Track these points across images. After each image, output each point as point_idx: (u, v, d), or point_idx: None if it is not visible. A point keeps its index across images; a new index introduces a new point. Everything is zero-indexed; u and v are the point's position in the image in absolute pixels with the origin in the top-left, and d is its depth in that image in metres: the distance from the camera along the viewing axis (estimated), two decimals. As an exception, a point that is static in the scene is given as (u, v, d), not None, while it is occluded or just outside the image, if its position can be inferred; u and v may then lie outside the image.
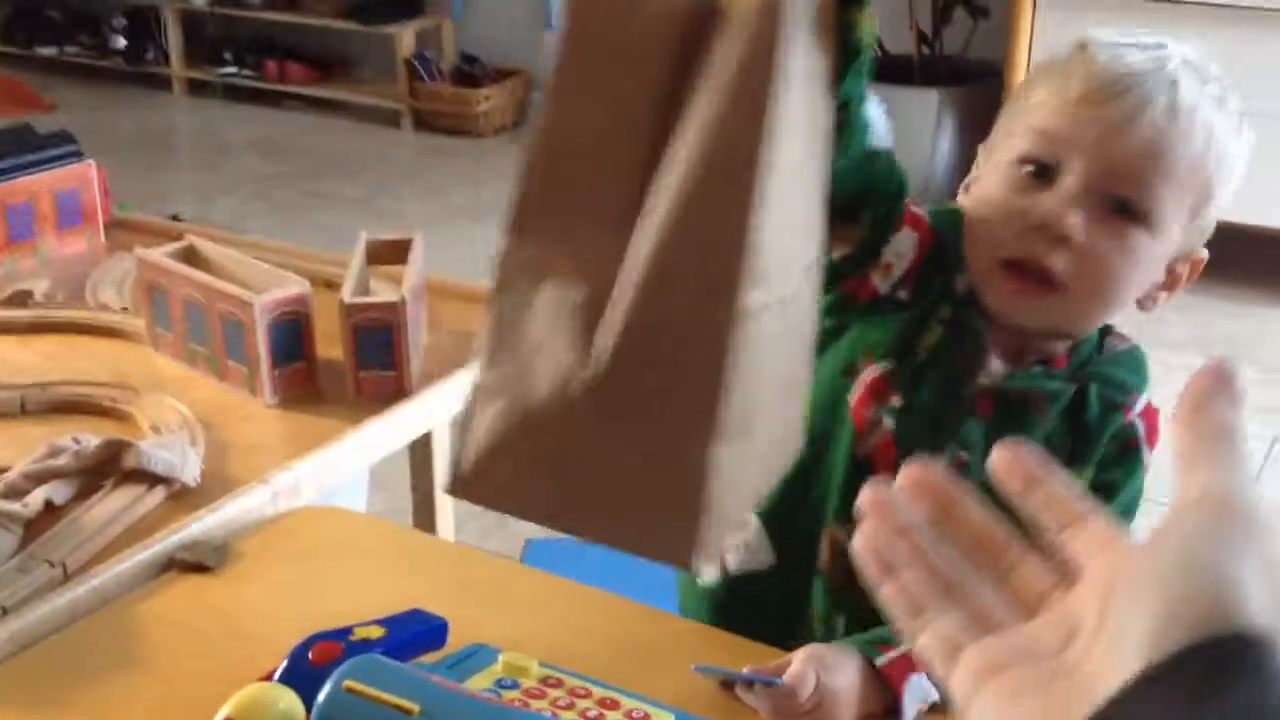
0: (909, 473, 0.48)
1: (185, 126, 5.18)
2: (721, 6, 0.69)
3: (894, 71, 3.85)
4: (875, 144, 0.88)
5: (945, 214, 1.01)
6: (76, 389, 1.31)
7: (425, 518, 1.62)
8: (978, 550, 0.47)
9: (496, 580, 1.07)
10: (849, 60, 0.75)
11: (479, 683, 0.82)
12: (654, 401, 0.68)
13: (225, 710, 0.78)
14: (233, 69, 5.17)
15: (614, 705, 0.80)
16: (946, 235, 0.99)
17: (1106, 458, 1.01)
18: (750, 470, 0.72)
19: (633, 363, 0.68)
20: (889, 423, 1.00)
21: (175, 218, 3.20)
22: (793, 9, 0.67)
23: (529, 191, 0.71)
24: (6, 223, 1.61)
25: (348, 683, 0.70)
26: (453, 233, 3.91)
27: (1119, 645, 0.39)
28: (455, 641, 0.91)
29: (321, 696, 0.70)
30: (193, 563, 1.05)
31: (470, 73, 4.81)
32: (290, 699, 0.78)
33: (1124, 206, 0.95)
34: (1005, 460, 0.47)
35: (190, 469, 1.15)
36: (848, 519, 0.99)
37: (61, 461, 1.13)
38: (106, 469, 1.14)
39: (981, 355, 0.99)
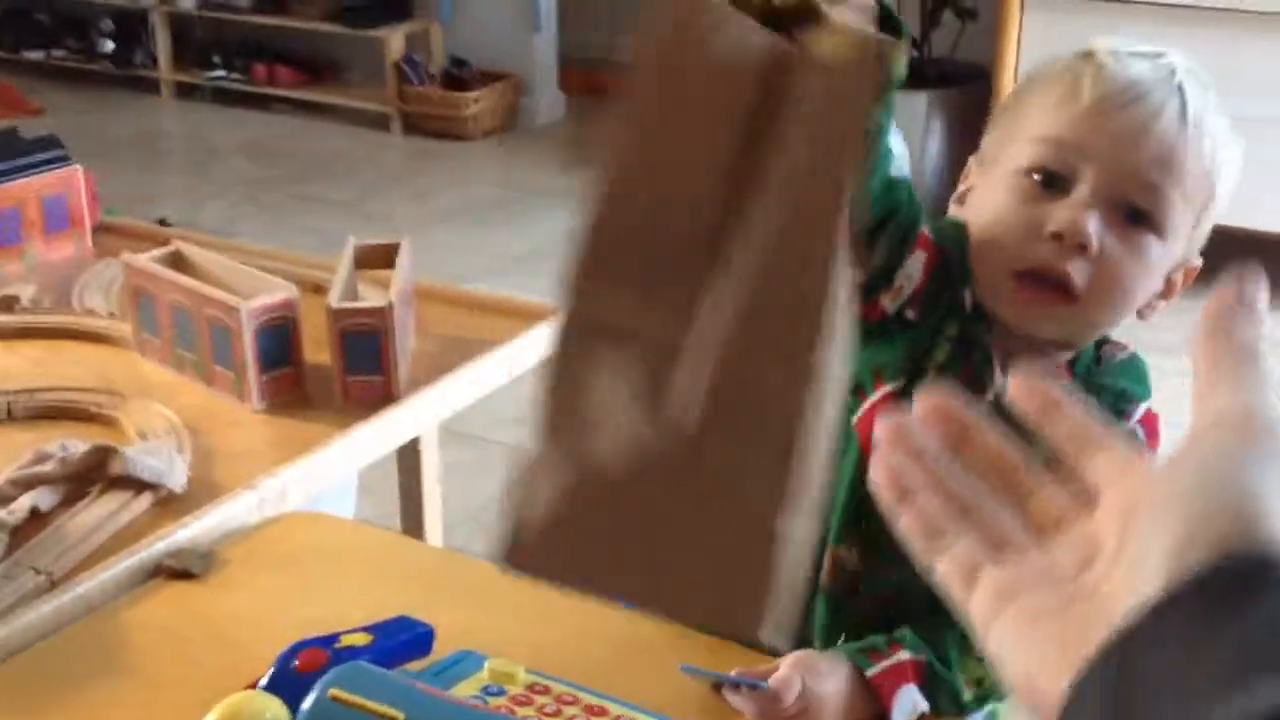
0: (925, 400, 0.47)
1: (173, 130, 5.17)
2: (799, 56, 0.65)
3: (882, 75, 3.85)
4: (895, 173, 0.88)
5: (948, 228, 1.00)
6: (63, 395, 1.31)
7: (413, 522, 1.62)
8: (995, 476, 0.47)
9: (484, 585, 1.07)
10: (882, 92, 0.75)
11: (465, 690, 0.82)
12: (729, 470, 0.66)
13: (209, 718, 0.78)
14: (221, 72, 5.16)
15: (601, 712, 0.80)
16: (951, 250, 0.98)
17: None
18: (808, 529, 0.71)
19: (708, 430, 0.66)
20: None
21: (163, 222, 3.20)
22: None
23: (591, 246, 0.67)
24: (-7, 228, 1.61)
25: (332, 691, 0.69)
26: (442, 236, 3.91)
27: (1139, 567, 0.39)
28: (442, 648, 0.91)
29: (306, 705, 0.70)
30: (179, 569, 1.05)
31: (459, 76, 4.80)
32: (275, 707, 0.78)
33: (1138, 215, 0.94)
34: (1023, 386, 0.46)
35: (177, 475, 1.15)
36: (852, 539, 0.99)
37: (48, 468, 1.13)
38: (93, 475, 1.13)
39: (988, 370, 0.99)
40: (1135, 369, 1.04)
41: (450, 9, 4.93)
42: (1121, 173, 0.94)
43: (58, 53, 5.41)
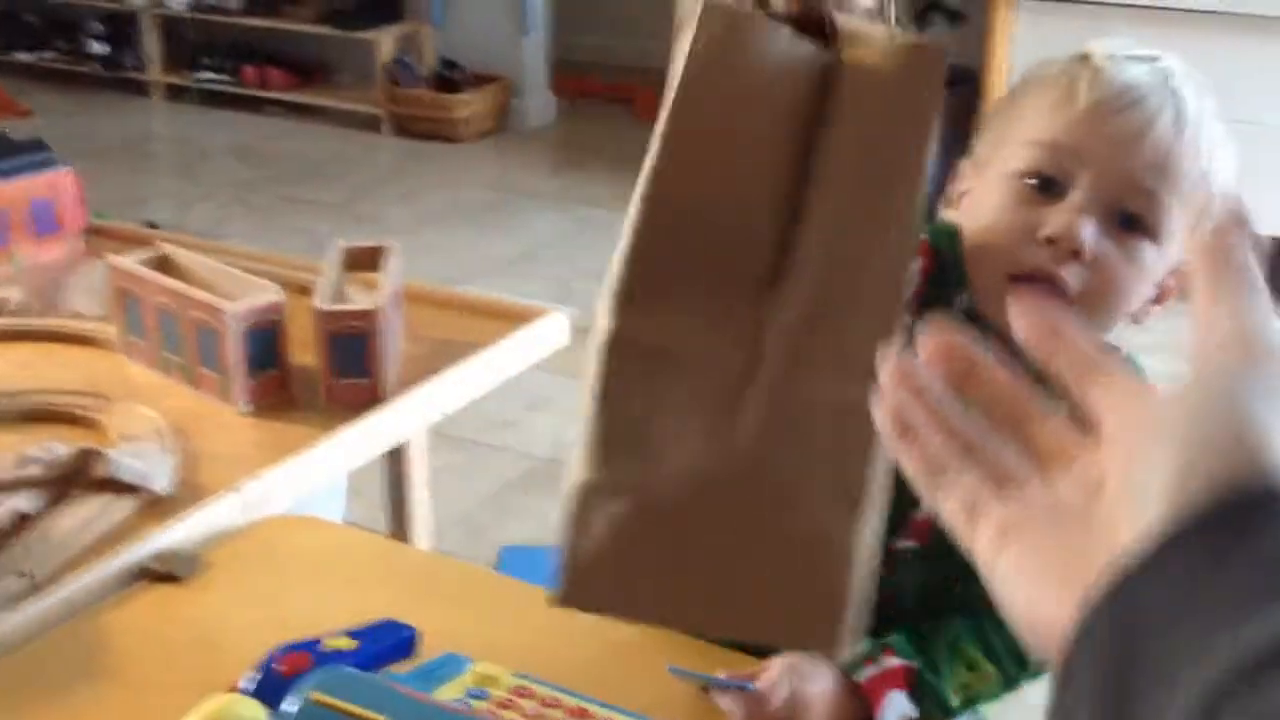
0: (930, 337, 0.47)
1: (163, 132, 5.16)
2: (844, 65, 0.64)
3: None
4: None
5: (942, 232, 1.00)
6: (48, 397, 1.30)
7: (401, 526, 1.61)
8: (999, 411, 0.46)
9: (470, 589, 1.07)
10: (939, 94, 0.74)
11: (449, 693, 0.82)
12: (796, 486, 0.66)
13: (192, 722, 0.77)
14: (211, 74, 5.16)
15: (585, 715, 0.80)
16: (946, 254, 0.98)
17: None
18: (873, 536, 0.69)
19: (775, 447, 0.65)
20: None
21: (151, 224, 3.19)
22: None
23: (642, 265, 0.65)
24: (-21, 230, 1.60)
25: (315, 695, 0.69)
26: (432, 238, 3.91)
27: (1140, 497, 0.38)
28: (427, 652, 0.90)
29: (288, 708, 0.70)
30: (163, 573, 1.05)
31: (450, 78, 4.80)
32: (257, 711, 0.78)
33: (1133, 220, 0.94)
34: (1024, 313, 0.46)
35: (161, 478, 1.14)
36: None
37: (32, 471, 1.13)
38: (77, 478, 1.13)
39: None
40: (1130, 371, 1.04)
41: (441, 11, 4.93)
42: (1117, 177, 0.93)
43: (48, 55, 5.40)
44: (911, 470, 0.46)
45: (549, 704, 0.81)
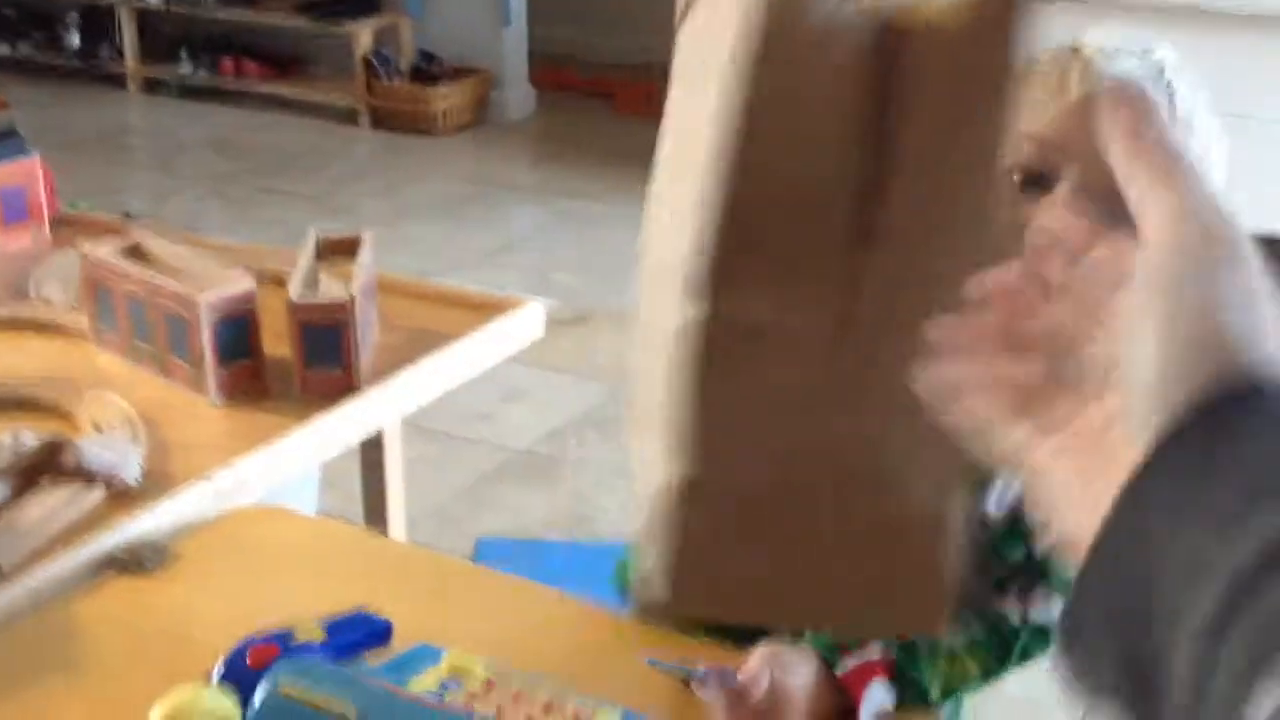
0: (980, 282, 0.47)
1: (140, 125, 5.13)
2: (911, 23, 0.61)
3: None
4: None
5: None
6: (16, 386, 1.29)
7: (376, 517, 1.60)
8: (1048, 341, 0.46)
9: (445, 581, 1.06)
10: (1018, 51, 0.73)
11: (423, 683, 0.81)
12: (906, 467, 0.64)
13: (156, 714, 0.76)
14: (188, 67, 5.12)
15: (560, 706, 0.79)
16: None
17: None
18: (967, 512, 0.67)
19: (885, 426, 0.63)
20: None
21: (127, 215, 3.16)
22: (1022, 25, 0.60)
23: (722, 243, 0.62)
24: (-52, 218, 1.58)
25: (282, 685, 0.68)
26: (410, 231, 3.89)
27: (1132, 404, 0.39)
28: (401, 644, 0.89)
29: (256, 699, 0.69)
30: (131, 563, 1.03)
31: (428, 71, 4.78)
32: (225, 702, 0.77)
33: (1122, 215, 0.93)
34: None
35: (131, 468, 1.13)
36: None
37: (-1, 460, 1.11)
38: (45, 467, 1.11)
39: None
40: None
41: (419, 3, 4.90)
42: (1104, 171, 0.92)
43: (23, 46, 5.35)
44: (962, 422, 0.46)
45: (524, 694, 0.80)
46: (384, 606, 0.92)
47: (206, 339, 1.25)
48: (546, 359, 3.02)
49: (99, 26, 5.25)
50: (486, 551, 1.69)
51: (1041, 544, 0.47)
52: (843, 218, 0.62)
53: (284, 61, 5.10)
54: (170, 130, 4.94)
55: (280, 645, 0.83)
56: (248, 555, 1.07)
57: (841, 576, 0.66)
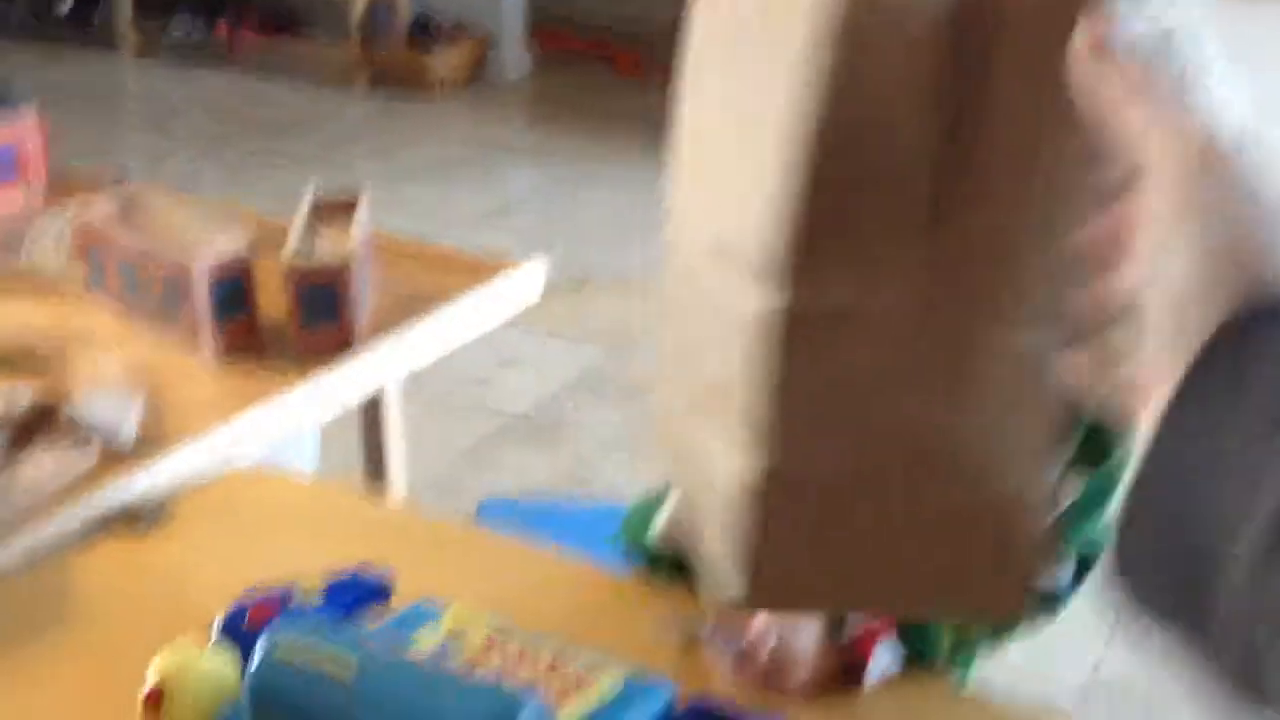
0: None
1: (135, 87, 5.09)
2: None
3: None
4: None
5: None
6: (9, 344, 1.27)
7: (376, 479, 1.59)
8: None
9: (446, 542, 1.04)
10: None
11: (425, 640, 0.80)
12: (990, 450, 0.63)
13: (154, 673, 0.75)
14: (183, 29, 5.08)
15: (564, 663, 0.78)
16: None
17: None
18: (1052, 486, 0.67)
19: (970, 409, 0.61)
20: None
21: (123, 176, 3.14)
22: None
23: (803, 220, 0.59)
24: (-61, 176, 1.56)
25: (280, 644, 0.67)
26: (407, 193, 3.87)
27: (1163, 338, 0.39)
28: (401, 604, 0.88)
29: (254, 658, 0.68)
30: (127, 523, 1.02)
31: (425, 32, 4.74)
32: (222, 663, 0.76)
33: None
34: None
35: (127, 426, 1.11)
36: None
37: (-8, 419, 1.10)
38: (40, 425, 1.10)
39: None
40: None
41: (416, -36, 4.85)
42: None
43: (17, 7, 5.30)
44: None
45: (527, 653, 0.79)
46: (384, 567, 0.90)
47: (202, 298, 1.24)
48: (544, 322, 3.00)
49: (92, -13, 5.20)
50: (490, 513, 1.68)
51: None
52: (924, 194, 0.60)
53: (279, 23, 5.06)
54: (165, 92, 4.90)
55: (278, 604, 0.81)
56: (245, 515, 1.06)
57: (920, 561, 0.65)
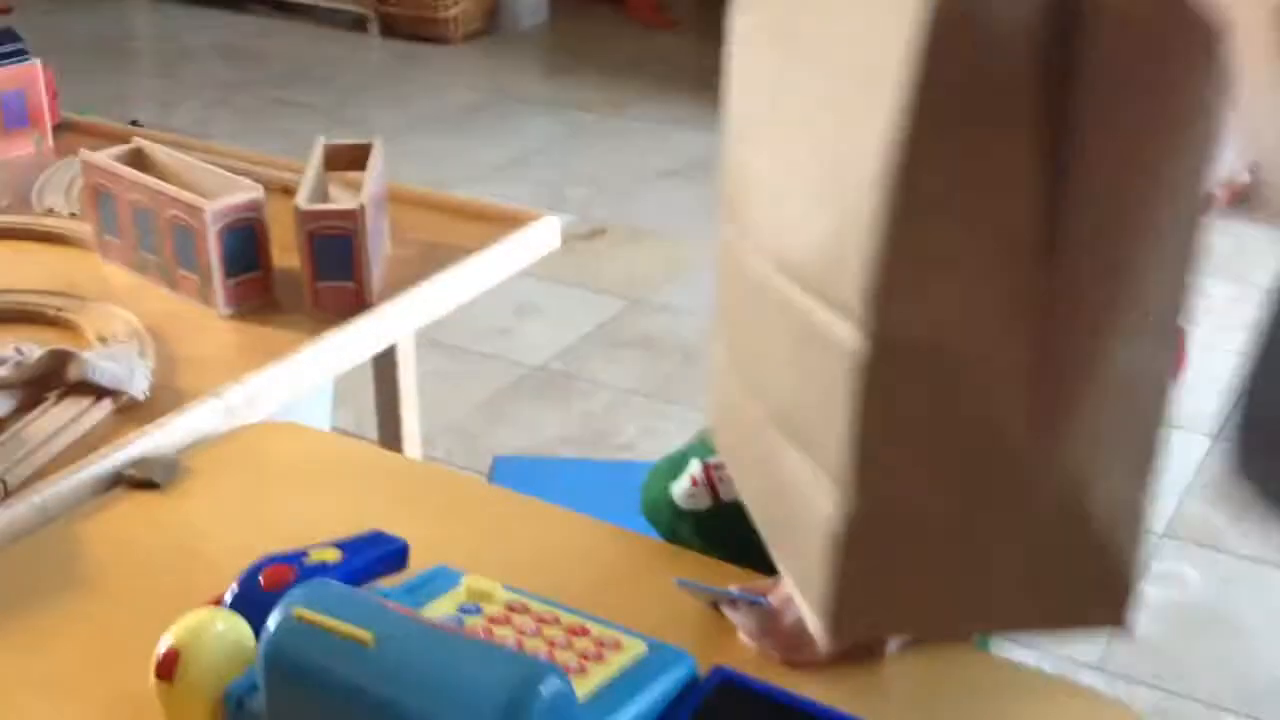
0: None
1: (145, 31, 5.04)
2: (1085, 7, 0.55)
3: None
4: None
5: None
6: (20, 297, 1.25)
7: (391, 433, 1.57)
8: None
9: (462, 500, 1.03)
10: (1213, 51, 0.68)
11: (440, 608, 0.78)
12: (1095, 467, 0.61)
13: (168, 638, 0.73)
14: (194, -28, 5.03)
15: (583, 631, 0.76)
16: None
17: None
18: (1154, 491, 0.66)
19: (1076, 429, 0.60)
20: None
21: (135, 123, 3.11)
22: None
23: (899, 248, 0.56)
24: (-53, 124, 1.54)
25: (298, 610, 0.65)
26: (420, 142, 3.83)
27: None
28: (418, 564, 0.86)
29: (270, 624, 0.66)
30: (141, 480, 1.00)
31: (439, -22, 4.68)
32: (238, 625, 0.74)
33: None
34: None
35: (139, 381, 1.10)
36: None
37: (2, 373, 1.08)
38: (50, 381, 1.08)
39: None
40: None
41: (429, -93, 4.79)
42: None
43: (25, -50, 5.24)
44: None
45: (545, 620, 0.77)
46: (400, 526, 0.89)
47: (213, 248, 1.22)
48: (561, 273, 2.98)
49: (103, -69, 5.14)
50: (504, 469, 1.66)
51: None
52: (1026, 214, 0.57)
53: (291, -33, 5.00)
54: (176, 37, 4.86)
55: (294, 566, 0.80)
56: (260, 471, 1.04)
57: (1013, 583, 0.63)
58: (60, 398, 1.07)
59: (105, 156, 1.31)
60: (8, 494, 0.98)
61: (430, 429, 1.67)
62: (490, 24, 4.75)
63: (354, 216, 1.23)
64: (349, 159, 1.36)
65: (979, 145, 0.56)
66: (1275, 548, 2.10)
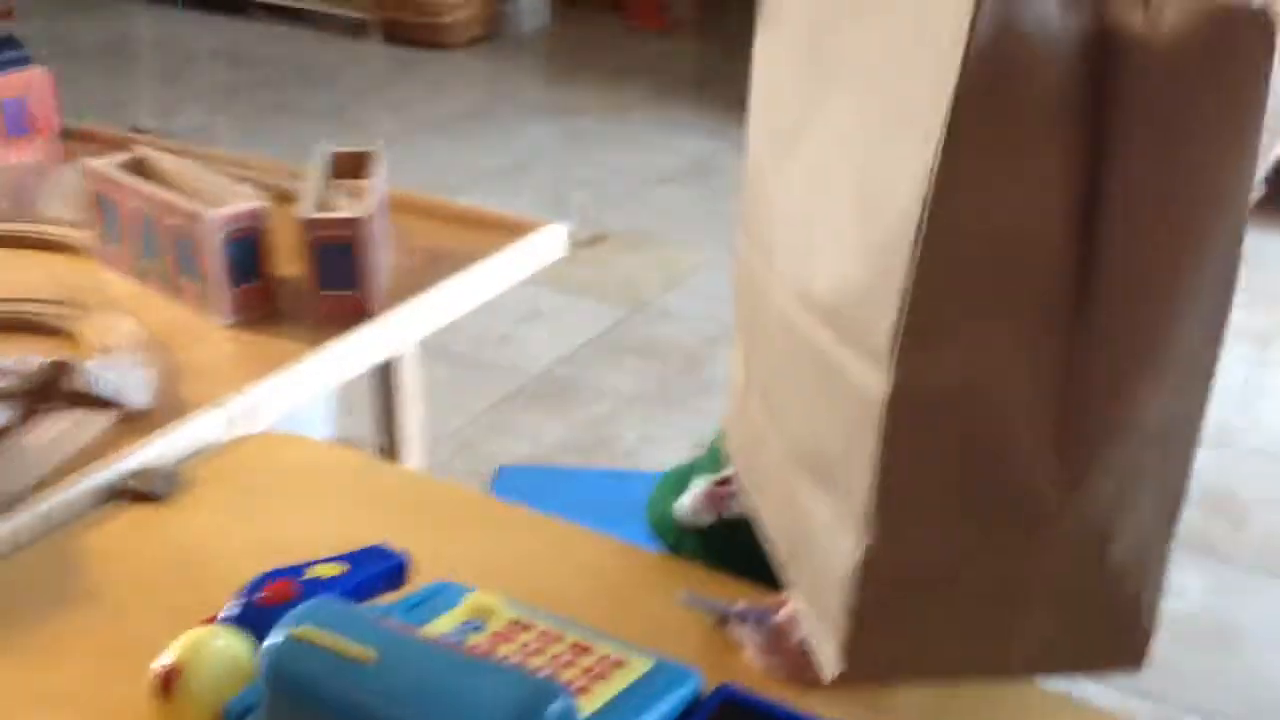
0: None
1: (148, 36, 5.04)
2: (1124, 27, 0.53)
3: None
4: None
5: None
6: (20, 306, 1.24)
7: (391, 443, 1.57)
8: None
9: (464, 513, 1.02)
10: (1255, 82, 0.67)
11: (443, 625, 0.77)
12: (1120, 516, 0.61)
13: (168, 655, 0.73)
14: (196, -24, 5.02)
15: (588, 650, 0.76)
16: None
17: None
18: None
19: (1103, 479, 0.59)
20: None
21: (136, 129, 3.11)
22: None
23: (928, 296, 0.55)
24: (-52, 130, 1.53)
25: (298, 630, 0.64)
26: (421, 147, 3.83)
27: None
28: (421, 578, 0.86)
29: (271, 642, 0.65)
30: (142, 491, 1.00)
31: (441, -17, 4.68)
32: (238, 643, 0.73)
33: None
34: None
35: (140, 392, 1.09)
36: None
37: (2, 383, 1.07)
38: (51, 391, 1.08)
39: None
40: None
41: (432, -88, 4.79)
42: None
43: (27, -46, 5.24)
44: None
45: (550, 638, 0.76)
46: (401, 539, 0.88)
47: (215, 257, 1.21)
48: (562, 280, 2.98)
49: (104, -65, 5.14)
50: (507, 480, 1.65)
51: None
52: (1057, 268, 0.56)
53: (293, -28, 5.00)
54: (178, 41, 4.85)
55: (295, 582, 0.79)
56: (262, 483, 1.03)
57: (1029, 628, 0.63)
58: (61, 408, 1.06)
59: (107, 164, 1.30)
60: (6, 506, 0.97)
61: (431, 436, 1.66)
62: (491, 29, 4.75)
63: (357, 225, 1.22)
64: (352, 165, 1.36)
65: (1014, 186, 0.54)
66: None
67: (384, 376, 1.54)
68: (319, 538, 0.89)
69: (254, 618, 0.76)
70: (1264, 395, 2.64)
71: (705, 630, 0.86)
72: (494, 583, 0.84)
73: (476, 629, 0.77)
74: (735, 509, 0.92)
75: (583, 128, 4.03)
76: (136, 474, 1.01)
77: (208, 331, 1.23)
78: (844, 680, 0.65)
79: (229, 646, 0.73)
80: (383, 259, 1.30)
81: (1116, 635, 0.64)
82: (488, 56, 4.66)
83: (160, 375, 1.14)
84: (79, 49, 4.56)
